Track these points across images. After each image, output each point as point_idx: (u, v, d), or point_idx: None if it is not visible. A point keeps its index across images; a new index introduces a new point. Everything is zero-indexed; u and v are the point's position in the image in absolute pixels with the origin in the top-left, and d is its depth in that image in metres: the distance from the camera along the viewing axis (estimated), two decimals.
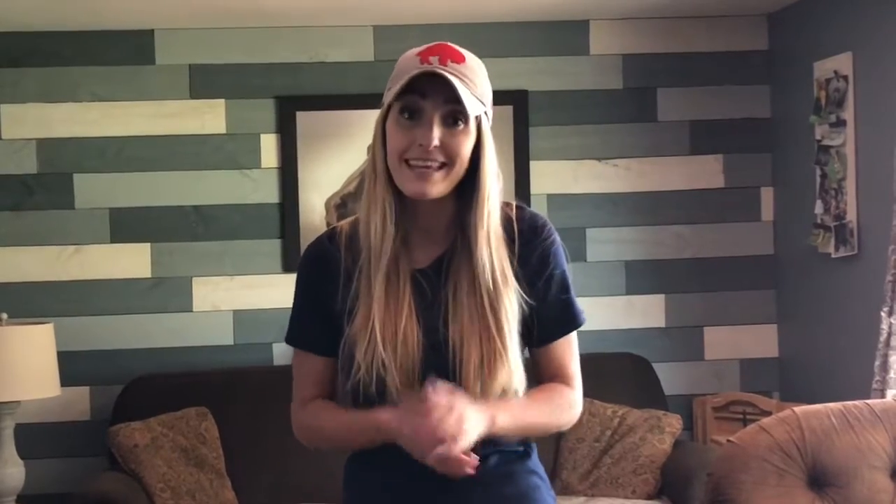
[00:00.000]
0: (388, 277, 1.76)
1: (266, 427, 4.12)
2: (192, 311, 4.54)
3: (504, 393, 1.75)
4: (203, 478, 4.05)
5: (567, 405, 1.85)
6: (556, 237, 1.85)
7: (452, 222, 1.80)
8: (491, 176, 1.76)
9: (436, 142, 1.71)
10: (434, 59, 1.72)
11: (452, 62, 1.72)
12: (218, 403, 4.24)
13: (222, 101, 4.55)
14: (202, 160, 4.54)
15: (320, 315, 1.83)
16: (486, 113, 1.76)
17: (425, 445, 1.66)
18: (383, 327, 1.74)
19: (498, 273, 1.76)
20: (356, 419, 1.80)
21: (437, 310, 1.77)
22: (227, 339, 4.56)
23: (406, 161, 1.73)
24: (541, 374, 1.87)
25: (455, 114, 1.71)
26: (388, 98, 1.74)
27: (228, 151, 4.56)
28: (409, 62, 1.75)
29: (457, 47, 1.76)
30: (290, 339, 1.89)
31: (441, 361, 1.75)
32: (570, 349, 1.88)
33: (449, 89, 1.69)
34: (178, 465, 4.03)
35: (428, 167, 1.72)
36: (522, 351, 1.82)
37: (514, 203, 1.85)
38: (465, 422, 1.66)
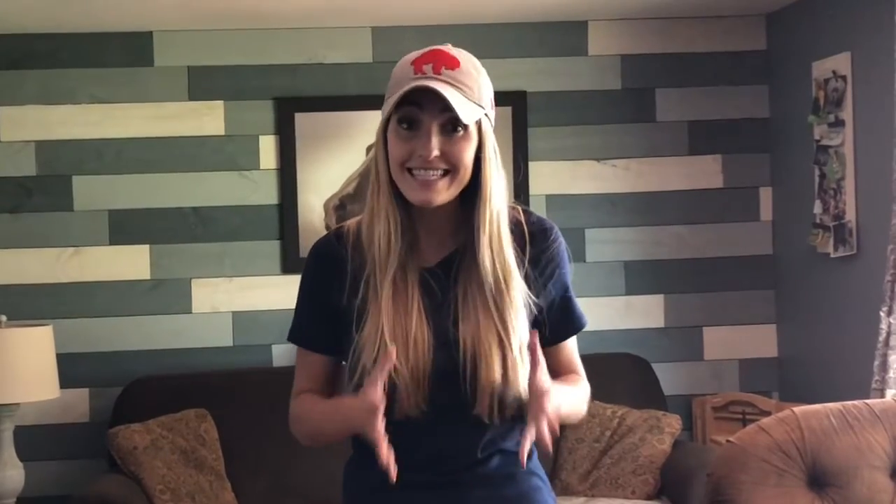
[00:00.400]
0: (396, 282, 1.75)
1: (266, 429, 4.12)
2: (191, 312, 4.54)
3: (514, 393, 1.74)
4: (203, 479, 4.05)
5: (588, 395, 1.90)
6: (563, 240, 1.87)
7: (460, 224, 1.80)
8: (494, 177, 1.75)
9: (435, 152, 1.70)
10: (428, 68, 1.71)
11: (447, 69, 1.71)
12: (217, 405, 4.24)
13: (221, 102, 4.55)
14: (201, 162, 4.54)
15: (323, 314, 1.83)
16: (486, 115, 1.75)
17: (365, 417, 1.67)
18: (393, 331, 1.73)
19: (502, 274, 1.75)
20: (328, 404, 1.82)
21: (446, 310, 1.77)
22: (227, 340, 4.56)
23: (409, 170, 1.73)
24: (550, 373, 1.88)
25: (453, 121, 1.70)
26: (385, 111, 1.74)
27: (227, 153, 4.56)
28: (403, 71, 1.73)
29: (452, 51, 1.75)
30: (291, 336, 1.90)
31: (451, 362, 1.75)
32: (574, 349, 1.92)
33: (444, 99, 1.68)
34: (178, 466, 4.03)
35: (431, 176, 1.72)
36: None
37: (519, 207, 1.85)
38: (553, 401, 1.68)
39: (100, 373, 4.47)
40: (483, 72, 1.77)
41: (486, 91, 1.76)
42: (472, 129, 1.73)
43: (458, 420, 1.77)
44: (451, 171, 1.73)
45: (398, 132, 1.73)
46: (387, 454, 1.66)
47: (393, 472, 1.66)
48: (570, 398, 1.81)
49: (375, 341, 1.74)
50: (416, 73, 1.71)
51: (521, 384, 1.73)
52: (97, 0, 4.02)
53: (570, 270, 1.87)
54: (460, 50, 1.77)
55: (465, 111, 1.69)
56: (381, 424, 1.66)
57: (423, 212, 1.77)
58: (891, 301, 3.51)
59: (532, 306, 1.79)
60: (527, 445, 1.68)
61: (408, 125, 1.72)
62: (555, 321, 1.85)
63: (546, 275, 1.83)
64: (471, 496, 1.83)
